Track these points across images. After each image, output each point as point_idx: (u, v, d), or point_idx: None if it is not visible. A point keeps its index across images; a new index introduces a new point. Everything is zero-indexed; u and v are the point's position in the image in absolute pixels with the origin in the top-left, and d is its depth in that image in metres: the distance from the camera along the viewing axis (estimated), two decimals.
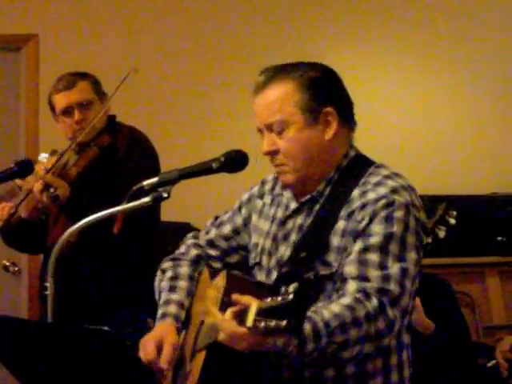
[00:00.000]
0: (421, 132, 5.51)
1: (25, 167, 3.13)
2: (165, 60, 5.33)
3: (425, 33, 5.56)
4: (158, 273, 2.47)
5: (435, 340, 3.29)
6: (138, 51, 5.29)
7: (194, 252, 2.47)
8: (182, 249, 2.51)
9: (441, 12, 5.61)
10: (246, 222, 2.44)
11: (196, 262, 2.46)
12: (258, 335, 1.86)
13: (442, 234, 3.30)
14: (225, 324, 1.93)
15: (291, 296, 1.78)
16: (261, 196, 2.44)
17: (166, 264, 2.47)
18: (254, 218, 2.41)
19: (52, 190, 3.20)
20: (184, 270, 2.42)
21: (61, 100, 3.47)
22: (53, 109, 3.53)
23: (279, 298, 1.81)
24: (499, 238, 5.09)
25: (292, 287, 1.79)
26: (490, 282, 5.06)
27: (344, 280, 2.12)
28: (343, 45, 5.49)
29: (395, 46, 5.58)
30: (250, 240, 2.42)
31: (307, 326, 1.96)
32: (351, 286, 2.09)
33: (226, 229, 2.47)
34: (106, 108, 3.48)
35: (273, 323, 1.79)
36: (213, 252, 2.47)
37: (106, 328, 1.98)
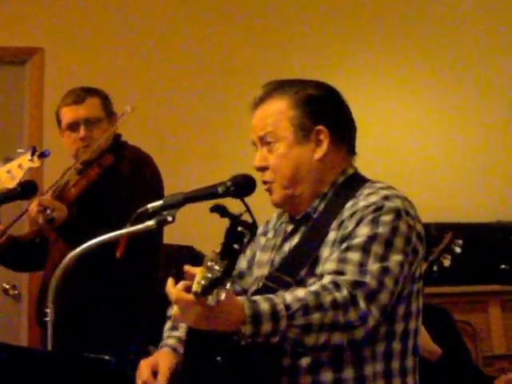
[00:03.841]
0: (427, 159, 5.51)
1: (28, 188, 3.09)
2: (173, 76, 5.31)
3: (437, 59, 5.57)
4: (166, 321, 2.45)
5: (443, 365, 3.24)
6: (144, 66, 5.28)
7: None
8: None
9: (453, 36, 5.63)
10: (250, 263, 2.40)
11: None
12: (203, 301, 1.80)
13: (447, 262, 3.31)
14: (174, 293, 1.90)
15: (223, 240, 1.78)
16: (265, 233, 2.42)
17: (171, 310, 2.41)
18: (258, 255, 2.39)
19: (48, 212, 3.13)
20: None
21: (68, 114, 3.42)
22: (59, 122, 3.48)
23: (217, 250, 1.80)
24: (502, 267, 5.06)
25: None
26: (491, 312, 5.03)
27: (322, 277, 2.07)
28: (355, 69, 5.49)
29: (412, 71, 5.59)
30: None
31: (264, 305, 1.92)
32: (325, 279, 2.04)
33: (233, 274, 2.43)
34: (112, 131, 3.41)
35: (210, 274, 1.76)
36: None
37: (106, 357, 1.93)
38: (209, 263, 1.78)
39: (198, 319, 1.88)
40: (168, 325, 2.40)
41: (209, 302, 1.78)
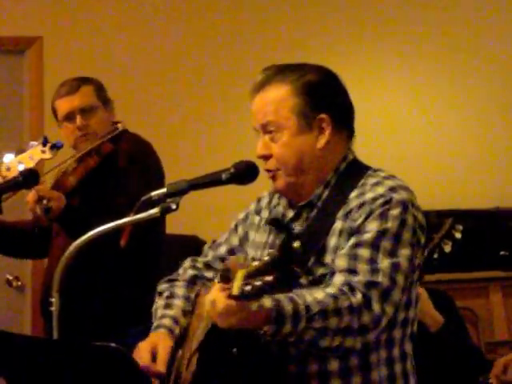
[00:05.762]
0: (426, 147, 5.52)
1: (30, 177, 3.07)
2: (171, 64, 5.31)
3: (433, 44, 5.57)
4: (156, 296, 2.43)
5: (443, 336, 3.22)
6: (143, 54, 5.28)
7: (190, 273, 2.42)
8: (179, 271, 2.46)
9: (447, 23, 5.63)
10: (242, 241, 2.39)
11: (192, 283, 2.40)
12: (246, 305, 1.81)
13: (447, 248, 3.31)
14: (214, 296, 1.88)
15: (276, 252, 1.76)
16: (258, 212, 2.39)
17: (162, 286, 2.43)
18: (252, 235, 2.37)
19: (45, 202, 3.10)
20: (179, 290, 2.38)
21: (63, 105, 3.42)
22: (56, 115, 3.48)
23: (265, 258, 1.78)
24: (502, 253, 5.07)
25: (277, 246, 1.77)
26: (493, 297, 5.04)
27: (334, 273, 2.09)
28: (350, 57, 5.49)
29: (403, 59, 5.59)
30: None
31: (288, 307, 1.94)
32: (338, 278, 2.06)
33: (222, 250, 2.41)
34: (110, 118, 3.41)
35: (259, 282, 1.76)
36: (209, 274, 2.41)
37: (113, 344, 1.93)
38: (254, 271, 1.78)
39: (235, 321, 1.89)
40: (161, 302, 2.37)
41: (252, 307, 1.81)
